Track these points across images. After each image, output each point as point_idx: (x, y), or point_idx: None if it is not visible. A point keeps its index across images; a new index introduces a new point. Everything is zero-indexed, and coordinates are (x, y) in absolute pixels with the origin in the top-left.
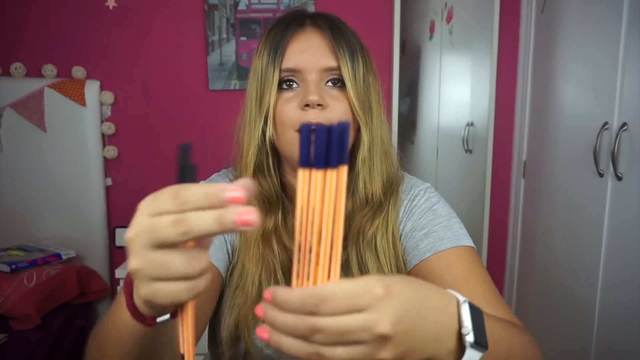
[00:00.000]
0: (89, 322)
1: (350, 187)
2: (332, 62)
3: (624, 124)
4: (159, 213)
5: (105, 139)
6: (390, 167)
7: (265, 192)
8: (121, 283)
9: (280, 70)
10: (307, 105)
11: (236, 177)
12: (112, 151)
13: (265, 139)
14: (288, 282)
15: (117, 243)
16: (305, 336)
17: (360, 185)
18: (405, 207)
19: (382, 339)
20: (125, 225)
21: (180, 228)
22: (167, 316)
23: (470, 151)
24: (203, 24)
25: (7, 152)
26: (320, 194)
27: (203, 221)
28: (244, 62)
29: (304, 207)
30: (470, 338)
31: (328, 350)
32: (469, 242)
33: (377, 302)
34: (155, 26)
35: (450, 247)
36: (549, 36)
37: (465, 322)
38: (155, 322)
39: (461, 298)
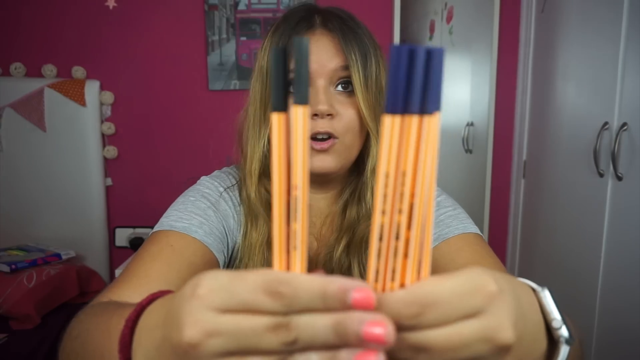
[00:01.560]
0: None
1: (357, 195)
2: (341, 65)
3: (624, 124)
4: (246, 310)
5: (105, 139)
6: None
7: (270, 198)
8: None
9: (289, 71)
10: (315, 114)
11: (240, 179)
12: (112, 151)
13: (271, 147)
14: None
15: (117, 243)
16: (404, 355)
17: (369, 195)
18: None
19: (504, 351)
20: (125, 225)
21: (285, 336)
22: None
23: (470, 151)
24: (203, 24)
25: (7, 152)
26: (414, 151)
27: (317, 330)
28: (244, 62)
29: (390, 174)
30: (564, 332)
31: None
32: (476, 230)
33: (492, 302)
34: (155, 26)
35: (458, 234)
36: (549, 36)
37: (553, 313)
38: None
39: (536, 286)
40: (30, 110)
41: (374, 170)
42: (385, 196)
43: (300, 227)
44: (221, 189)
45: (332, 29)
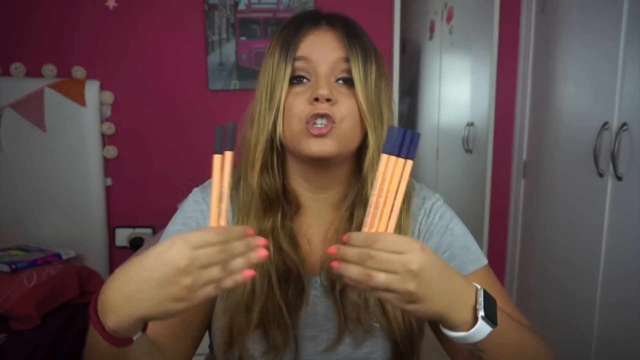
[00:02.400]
0: (89, 322)
1: (363, 196)
2: (343, 57)
3: (624, 124)
4: (206, 246)
5: (105, 139)
6: None
7: (267, 190)
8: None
9: (294, 59)
10: (316, 99)
11: (240, 175)
12: (112, 151)
13: (275, 134)
14: (283, 286)
15: (117, 243)
16: (361, 262)
17: (370, 190)
18: (421, 223)
19: (411, 274)
20: (125, 225)
21: (227, 254)
22: (139, 333)
23: (470, 151)
24: (203, 24)
25: (7, 152)
26: (394, 173)
27: (238, 247)
28: (244, 62)
29: (385, 180)
30: (481, 312)
31: (375, 274)
32: (485, 260)
33: (414, 251)
34: (155, 26)
35: (472, 271)
36: (549, 36)
37: (479, 299)
38: (129, 341)
39: (479, 286)
40: (30, 110)
41: (372, 165)
42: (380, 190)
43: (224, 207)
44: (204, 207)
45: (335, 25)
